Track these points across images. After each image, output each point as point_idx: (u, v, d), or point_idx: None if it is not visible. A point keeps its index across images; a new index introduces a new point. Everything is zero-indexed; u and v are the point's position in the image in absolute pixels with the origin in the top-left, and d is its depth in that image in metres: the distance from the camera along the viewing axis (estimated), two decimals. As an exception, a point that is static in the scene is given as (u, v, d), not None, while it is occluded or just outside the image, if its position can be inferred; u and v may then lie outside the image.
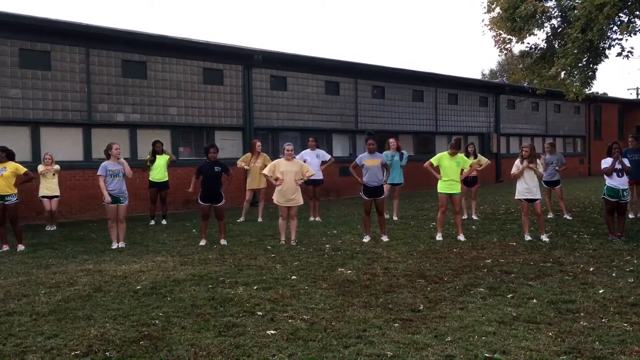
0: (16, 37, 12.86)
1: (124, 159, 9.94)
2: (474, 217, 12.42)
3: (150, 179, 12.39)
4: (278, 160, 9.66)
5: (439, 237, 9.74)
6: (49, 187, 11.77)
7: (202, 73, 15.95)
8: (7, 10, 13.08)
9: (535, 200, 9.53)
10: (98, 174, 9.25)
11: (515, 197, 9.77)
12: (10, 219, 9.18)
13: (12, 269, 7.61)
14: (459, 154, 9.91)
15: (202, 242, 9.53)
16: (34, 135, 13.17)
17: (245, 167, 12.58)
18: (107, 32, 14.15)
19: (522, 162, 9.49)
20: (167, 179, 12.59)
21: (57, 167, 11.95)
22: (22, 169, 9.41)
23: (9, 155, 9.45)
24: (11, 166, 9.25)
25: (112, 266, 7.71)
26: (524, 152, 9.50)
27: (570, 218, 12.20)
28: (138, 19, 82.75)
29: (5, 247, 9.20)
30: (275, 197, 9.54)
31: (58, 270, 7.46)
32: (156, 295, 6.14)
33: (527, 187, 9.47)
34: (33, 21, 12.92)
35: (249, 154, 12.77)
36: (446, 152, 9.83)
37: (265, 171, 9.70)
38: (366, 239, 9.62)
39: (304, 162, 12.55)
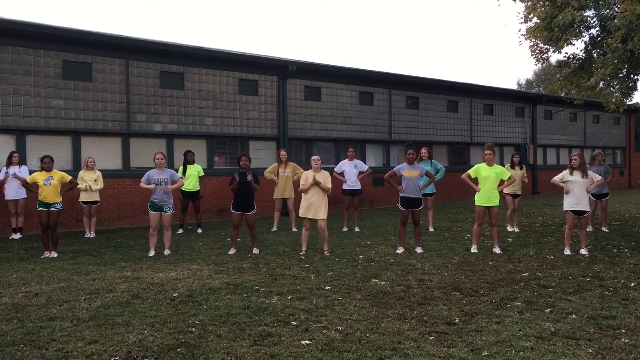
0: (59, 49, 13.28)
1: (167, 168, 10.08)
2: (515, 229, 12.23)
3: (182, 188, 12.53)
4: (307, 172, 9.68)
5: (473, 249, 9.62)
6: (88, 193, 12.05)
7: (237, 83, 16.17)
8: (50, 23, 13.50)
9: (584, 213, 9.32)
10: (142, 180, 9.55)
11: (564, 209, 9.55)
12: (51, 225, 9.45)
13: (54, 275, 7.82)
14: (496, 165, 9.76)
15: (232, 251, 9.62)
16: (75, 144, 13.53)
17: (276, 179, 12.68)
18: (146, 44, 14.48)
19: (571, 173, 9.27)
20: (198, 188, 12.76)
21: (98, 173, 12.24)
22: (68, 177, 9.75)
23: None
24: (57, 175, 9.56)
25: (150, 274, 7.85)
26: (573, 162, 9.27)
27: (608, 231, 11.93)
28: (175, 30, 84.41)
29: (47, 254, 9.46)
30: (302, 211, 9.58)
31: (97, 277, 7.64)
32: (192, 303, 6.23)
33: (576, 200, 9.26)
34: (75, 34, 13.31)
35: (275, 164, 12.87)
36: (483, 164, 9.68)
37: (303, 186, 9.59)
38: (400, 250, 9.57)
39: (342, 172, 12.66)
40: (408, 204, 9.54)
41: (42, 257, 9.36)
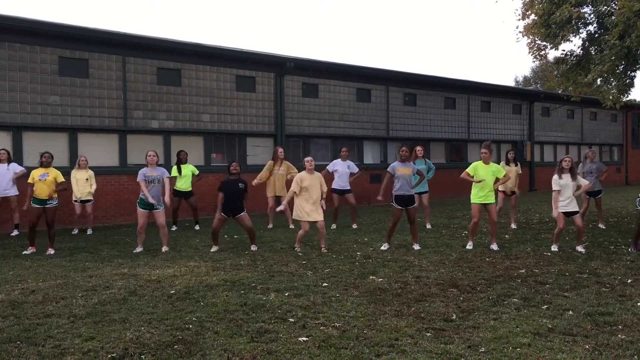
0: (56, 46, 13.23)
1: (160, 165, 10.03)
2: (513, 226, 12.24)
3: (175, 187, 12.48)
4: (301, 174, 9.60)
5: (469, 245, 9.63)
6: (81, 191, 12.00)
7: (234, 80, 16.14)
8: (46, 19, 13.45)
9: (575, 212, 9.30)
10: (137, 179, 9.50)
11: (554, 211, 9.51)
12: (48, 222, 9.43)
13: (50, 272, 7.80)
14: (493, 163, 9.75)
15: (214, 249, 9.54)
16: (71, 141, 13.49)
17: (264, 179, 12.58)
18: (143, 40, 14.43)
19: (560, 176, 9.22)
20: (191, 188, 12.73)
21: (90, 172, 12.15)
22: (61, 178, 9.64)
23: None
24: (53, 172, 9.53)
25: (147, 270, 7.83)
26: (564, 164, 9.20)
27: (604, 227, 11.95)
28: (172, 27, 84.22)
29: (31, 249, 9.46)
30: (296, 213, 9.50)
31: (94, 274, 7.63)
32: (189, 300, 6.22)
33: (566, 202, 9.23)
34: (72, 30, 13.26)
35: (271, 162, 12.81)
36: (480, 162, 9.67)
37: (294, 189, 9.46)
38: (384, 247, 9.57)
39: (335, 171, 12.63)
40: (403, 202, 9.53)
41: (24, 253, 9.36)
